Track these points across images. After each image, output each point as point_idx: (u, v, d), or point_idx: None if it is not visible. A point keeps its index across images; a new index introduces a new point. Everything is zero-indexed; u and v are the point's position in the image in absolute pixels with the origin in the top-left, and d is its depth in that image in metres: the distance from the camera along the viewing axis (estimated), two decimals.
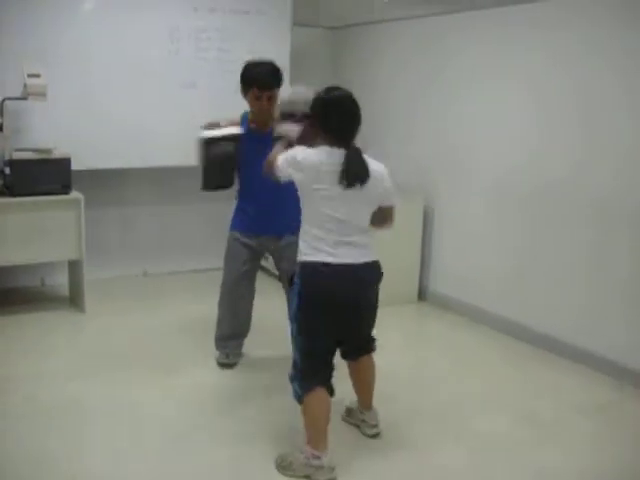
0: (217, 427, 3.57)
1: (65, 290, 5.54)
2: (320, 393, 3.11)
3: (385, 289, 5.52)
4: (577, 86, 4.50)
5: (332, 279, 3.03)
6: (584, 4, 4.41)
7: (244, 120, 4.01)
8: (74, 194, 4.96)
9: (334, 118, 3.03)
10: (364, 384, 3.53)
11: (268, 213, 3.50)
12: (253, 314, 4.32)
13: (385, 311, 5.43)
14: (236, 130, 3.83)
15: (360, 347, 3.45)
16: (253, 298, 4.29)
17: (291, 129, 3.32)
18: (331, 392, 3.19)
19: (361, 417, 3.58)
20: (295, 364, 3.17)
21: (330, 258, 3.01)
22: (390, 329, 5.25)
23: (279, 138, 3.37)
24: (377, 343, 3.56)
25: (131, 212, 6.05)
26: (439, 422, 3.75)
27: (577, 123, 4.52)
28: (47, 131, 5.05)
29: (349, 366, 3.50)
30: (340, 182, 2.96)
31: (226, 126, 3.86)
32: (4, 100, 4.79)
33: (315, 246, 3.03)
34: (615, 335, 4.36)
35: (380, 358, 4.59)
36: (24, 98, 4.72)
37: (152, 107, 5.43)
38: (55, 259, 5.26)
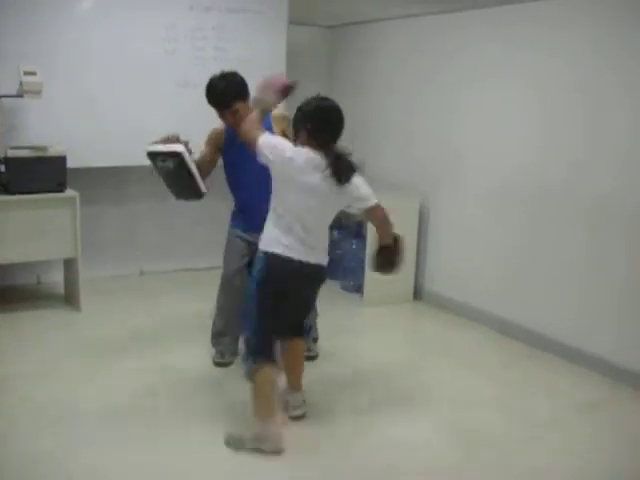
0: (215, 426, 3.57)
1: (61, 288, 5.54)
2: (269, 367, 3.35)
3: (381, 288, 5.63)
4: (576, 86, 4.51)
5: (286, 272, 3.31)
6: (586, 3, 4.41)
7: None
8: (70, 192, 4.95)
9: (320, 126, 3.28)
10: (292, 365, 3.70)
11: (261, 212, 3.53)
12: None
13: (380, 310, 5.52)
14: (176, 148, 3.79)
15: (294, 329, 3.65)
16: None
17: (267, 97, 3.40)
18: (277, 367, 3.44)
19: (286, 398, 3.70)
20: (249, 342, 3.41)
21: (287, 253, 3.27)
22: (385, 328, 5.27)
23: (256, 102, 3.47)
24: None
25: (127, 210, 6.05)
26: (433, 420, 3.76)
27: (576, 123, 4.52)
28: (43, 129, 5.04)
29: (282, 347, 3.64)
30: (325, 180, 3.20)
31: (172, 142, 3.85)
32: (0, 98, 4.78)
33: (277, 238, 3.28)
34: (611, 335, 4.37)
35: (375, 357, 4.64)
36: (20, 96, 4.72)
37: (148, 105, 5.43)
38: (51, 257, 5.26)
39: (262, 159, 3.28)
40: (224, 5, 5.66)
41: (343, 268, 6.10)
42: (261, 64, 5.70)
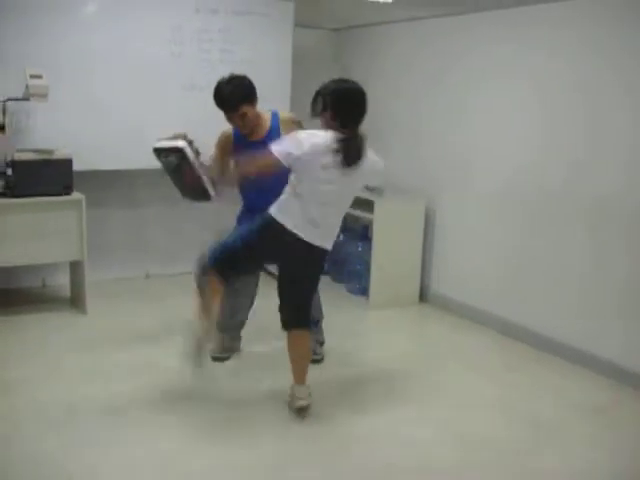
0: (216, 426, 3.57)
1: (66, 291, 5.54)
2: (217, 282, 3.55)
3: (386, 290, 5.62)
4: (579, 87, 4.50)
5: (286, 239, 3.41)
6: (587, 4, 4.40)
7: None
8: (76, 195, 4.95)
9: (342, 109, 3.33)
10: (294, 357, 3.72)
11: None
12: (255, 315, 4.38)
13: (386, 313, 5.52)
14: (177, 143, 3.80)
15: (293, 318, 3.68)
16: (254, 294, 4.41)
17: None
18: (224, 282, 3.60)
19: (290, 391, 3.75)
20: (212, 249, 3.60)
21: (296, 230, 3.39)
22: (391, 331, 5.27)
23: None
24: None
25: (133, 213, 6.05)
26: (436, 422, 3.75)
27: (579, 125, 4.52)
28: (49, 132, 5.05)
29: (287, 338, 3.72)
30: (336, 164, 3.29)
31: (177, 138, 3.85)
32: (6, 101, 4.79)
33: (290, 214, 3.40)
34: (614, 337, 4.36)
35: (380, 359, 4.63)
36: (26, 99, 4.72)
37: (154, 108, 5.43)
38: (56, 260, 5.26)
39: (286, 164, 3.30)
40: (230, 7, 5.66)
41: (348, 271, 6.10)
42: (267, 66, 5.73)
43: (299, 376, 3.73)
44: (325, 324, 4.66)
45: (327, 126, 3.36)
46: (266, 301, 4.25)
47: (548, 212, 4.76)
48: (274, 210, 3.44)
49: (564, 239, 4.66)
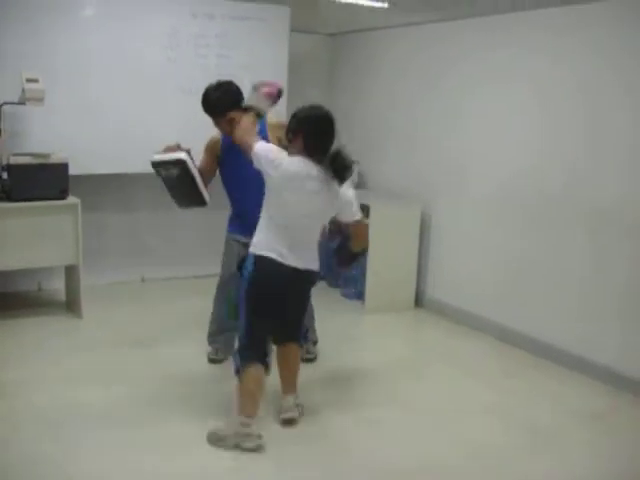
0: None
1: (62, 295, 5.53)
2: (257, 367, 3.47)
3: (382, 295, 5.62)
4: (577, 91, 4.51)
5: (278, 277, 3.42)
6: (585, 10, 4.40)
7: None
8: (71, 199, 4.95)
9: (314, 135, 3.39)
10: (286, 369, 3.75)
11: (257, 216, 3.61)
12: None
13: (382, 318, 5.52)
14: (179, 155, 3.85)
15: (287, 334, 3.72)
16: None
17: (261, 101, 3.58)
18: (267, 368, 3.56)
19: (280, 402, 3.74)
20: (240, 341, 3.55)
21: (280, 259, 3.39)
22: (387, 335, 5.27)
23: (249, 108, 3.62)
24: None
25: (129, 217, 6.05)
26: (433, 427, 3.75)
27: (578, 129, 4.53)
28: (45, 136, 5.05)
29: (277, 352, 3.77)
30: (319, 184, 3.35)
31: (174, 150, 3.90)
32: (2, 105, 4.79)
33: (271, 244, 3.40)
34: (612, 343, 4.36)
35: (376, 364, 4.63)
36: (22, 103, 4.72)
37: (151, 113, 5.43)
38: (52, 264, 5.26)
39: (256, 165, 3.39)
40: (227, 12, 5.67)
41: (344, 276, 6.10)
42: (263, 71, 5.70)
43: (287, 388, 3.75)
44: (320, 328, 4.69)
45: (298, 152, 3.39)
46: None
47: (545, 217, 4.77)
48: (253, 247, 3.46)
49: (561, 244, 4.66)
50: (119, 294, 5.77)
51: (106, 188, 5.74)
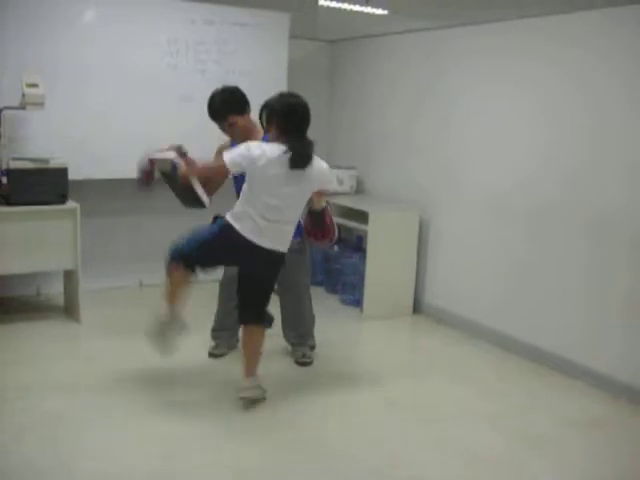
0: (214, 435, 3.57)
1: (60, 300, 5.53)
2: (183, 272, 3.77)
3: (380, 301, 5.62)
4: (580, 97, 4.52)
5: (241, 245, 3.65)
6: (585, 16, 4.41)
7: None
8: (70, 204, 4.96)
9: (288, 122, 3.60)
10: (246, 350, 3.93)
11: None
12: None
13: (380, 323, 5.52)
14: (167, 155, 3.86)
15: (249, 314, 3.92)
16: None
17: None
18: (192, 272, 3.80)
19: (240, 382, 3.93)
20: (179, 242, 3.83)
21: (250, 236, 3.62)
22: (384, 342, 5.27)
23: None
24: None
25: (127, 222, 6.05)
26: (432, 435, 3.75)
27: (578, 136, 4.52)
28: (44, 141, 5.06)
29: (242, 332, 4.00)
30: (285, 171, 3.54)
31: (170, 150, 3.93)
32: (2, 110, 4.80)
33: (244, 220, 3.63)
34: (612, 350, 4.36)
35: (373, 370, 4.63)
36: (22, 108, 4.73)
37: (150, 118, 5.44)
38: (51, 269, 5.27)
39: (239, 171, 3.60)
40: (226, 19, 5.69)
41: (343, 282, 6.11)
42: (263, 78, 5.76)
43: (248, 368, 3.90)
44: (318, 334, 4.72)
45: (276, 138, 3.62)
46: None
47: (545, 224, 4.77)
48: (229, 217, 3.69)
49: (560, 251, 4.67)
50: (118, 299, 5.78)
51: (105, 193, 5.74)
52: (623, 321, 4.29)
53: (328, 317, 5.36)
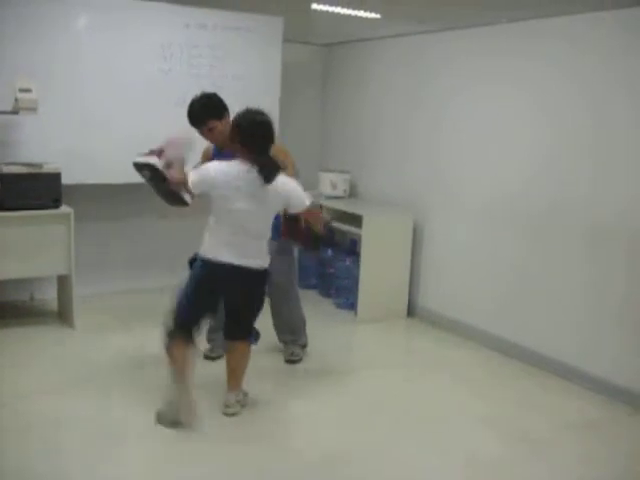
0: (215, 444, 3.56)
1: (54, 305, 5.52)
2: (184, 345, 3.68)
3: (374, 305, 5.63)
4: (577, 101, 4.53)
5: (219, 274, 3.68)
6: (581, 19, 4.41)
7: None
8: (64, 208, 4.95)
9: (250, 139, 3.60)
10: (229, 365, 3.93)
11: None
12: None
13: (374, 327, 5.53)
14: (149, 160, 3.88)
15: (234, 331, 3.90)
16: None
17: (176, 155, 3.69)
18: (192, 343, 3.75)
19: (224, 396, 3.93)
20: (173, 318, 3.73)
21: (218, 257, 3.65)
22: (378, 345, 5.28)
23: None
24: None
25: (122, 227, 6.04)
26: (427, 438, 3.75)
27: (575, 140, 4.51)
28: (38, 145, 5.05)
29: (227, 347, 3.98)
30: (246, 184, 3.55)
31: (153, 154, 3.96)
32: None
33: (210, 245, 3.69)
34: (608, 354, 4.36)
35: (367, 373, 4.63)
36: (15, 112, 4.73)
37: (143, 123, 5.42)
38: (44, 274, 5.26)
39: (198, 193, 3.58)
40: (220, 23, 5.69)
41: (336, 286, 6.11)
42: (257, 82, 5.77)
43: (229, 384, 3.91)
44: (311, 338, 4.77)
45: (240, 154, 3.62)
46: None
47: (538, 228, 4.79)
48: (201, 251, 3.74)
49: (555, 254, 4.68)
50: (111, 304, 5.76)
51: (99, 198, 5.74)
52: (620, 325, 4.29)
53: (322, 321, 5.37)
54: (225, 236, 3.65)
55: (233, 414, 3.85)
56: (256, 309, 3.91)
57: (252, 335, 4.00)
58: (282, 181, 3.64)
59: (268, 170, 3.55)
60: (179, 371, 3.67)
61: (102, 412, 3.85)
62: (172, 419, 3.61)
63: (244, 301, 3.84)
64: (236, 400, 3.90)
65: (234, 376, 3.91)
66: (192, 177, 3.56)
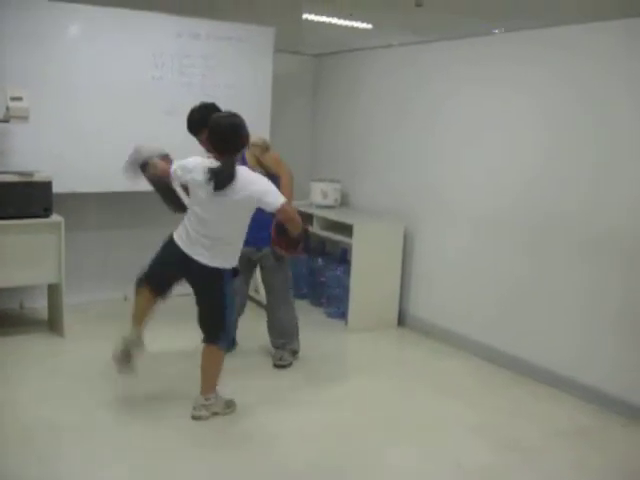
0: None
1: (44, 314, 5.50)
2: (147, 293, 3.89)
3: (365, 314, 5.63)
4: (575, 106, 4.53)
5: (176, 254, 3.80)
6: (578, 29, 4.42)
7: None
8: (55, 217, 4.94)
9: (217, 139, 3.68)
10: (201, 368, 3.96)
11: (254, 228, 3.92)
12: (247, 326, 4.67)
13: (364, 336, 5.53)
14: (133, 156, 4.11)
15: (205, 333, 3.94)
16: (244, 304, 4.82)
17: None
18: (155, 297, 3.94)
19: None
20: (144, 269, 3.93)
21: (179, 242, 3.79)
22: (368, 353, 5.28)
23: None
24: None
25: (112, 236, 6.03)
26: (418, 447, 3.75)
27: (569, 149, 4.50)
28: (29, 154, 5.04)
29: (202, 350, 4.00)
30: (208, 186, 3.62)
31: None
32: None
33: (180, 231, 3.82)
34: (601, 364, 4.35)
35: (357, 382, 4.63)
36: (6, 121, 4.72)
37: (135, 132, 5.40)
38: (35, 282, 5.24)
39: (177, 179, 3.86)
40: (212, 33, 5.71)
41: (327, 295, 6.11)
42: (248, 91, 5.79)
43: (202, 387, 3.94)
44: (301, 346, 4.86)
45: (214, 156, 3.72)
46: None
47: (531, 237, 4.79)
48: (174, 234, 3.88)
49: (549, 265, 4.68)
50: (102, 313, 5.74)
51: (90, 207, 5.74)
52: (614, 334, 4.28)
53: (313, 330, 5.36)
54: (189, 228, 3.76)
55: (198, 417, 3.87)
56: (215, 310, 3.86)
57: (221, 340, 3.92)
58: (249, 180, 3.66)
59: (221, 176, 3.59)
60: (138, 314, 3.91)
61: (92, 420, 3.84)
62: (123, 350, 3.86)
63: (200, 299, 3.90)
64: (203, 404, 3.90)
65: (203, 379, 3.94)
66: (174, 165, 3.81)
